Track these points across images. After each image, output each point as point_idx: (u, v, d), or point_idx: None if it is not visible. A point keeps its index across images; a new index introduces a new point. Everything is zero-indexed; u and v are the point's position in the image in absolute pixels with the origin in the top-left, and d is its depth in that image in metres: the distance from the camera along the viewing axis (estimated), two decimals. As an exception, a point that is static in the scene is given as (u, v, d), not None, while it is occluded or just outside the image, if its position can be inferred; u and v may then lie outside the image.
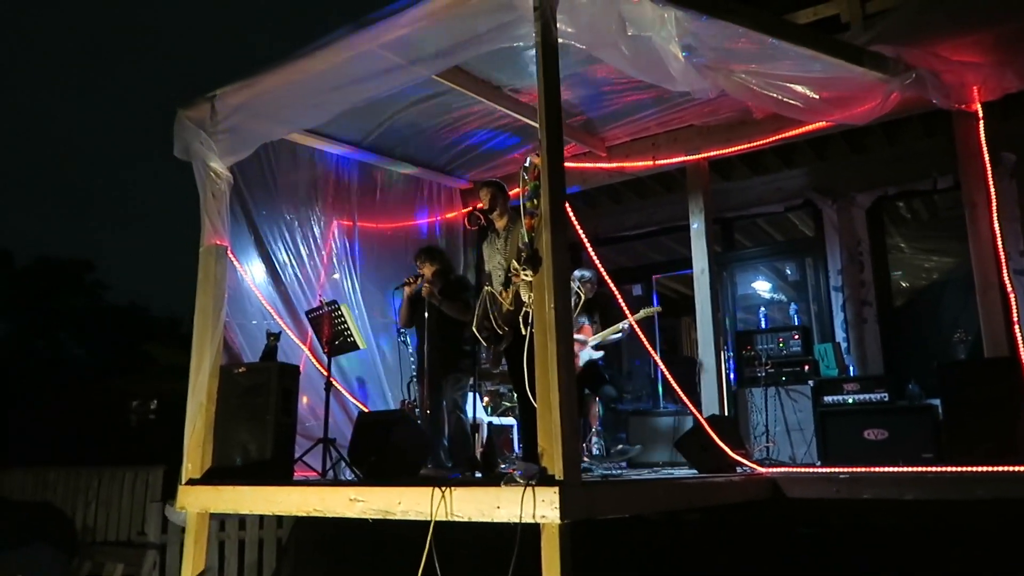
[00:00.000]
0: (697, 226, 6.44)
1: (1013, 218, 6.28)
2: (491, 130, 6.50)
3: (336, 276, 5.89)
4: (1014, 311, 4.87)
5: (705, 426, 4.52)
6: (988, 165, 5.14)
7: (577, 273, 5.94)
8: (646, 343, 5.10)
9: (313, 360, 5.34)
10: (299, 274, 5.68)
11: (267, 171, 5.61)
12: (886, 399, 5.51)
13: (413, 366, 5.89)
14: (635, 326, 5.75)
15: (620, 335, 6.01)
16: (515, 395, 6.67)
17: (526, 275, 3.33)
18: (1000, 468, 4.22)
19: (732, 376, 6.51)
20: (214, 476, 4.28)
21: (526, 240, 3.41)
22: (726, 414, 5.92)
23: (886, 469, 4.65)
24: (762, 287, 8.48)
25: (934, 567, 4.27)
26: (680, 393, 5.00)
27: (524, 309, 3.36)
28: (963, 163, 5.30)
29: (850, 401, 5.61)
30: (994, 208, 5.10)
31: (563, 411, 3.10)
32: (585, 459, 5.74)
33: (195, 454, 4.37)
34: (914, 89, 4.83)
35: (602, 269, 5.35)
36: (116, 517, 7.88)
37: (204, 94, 4.82)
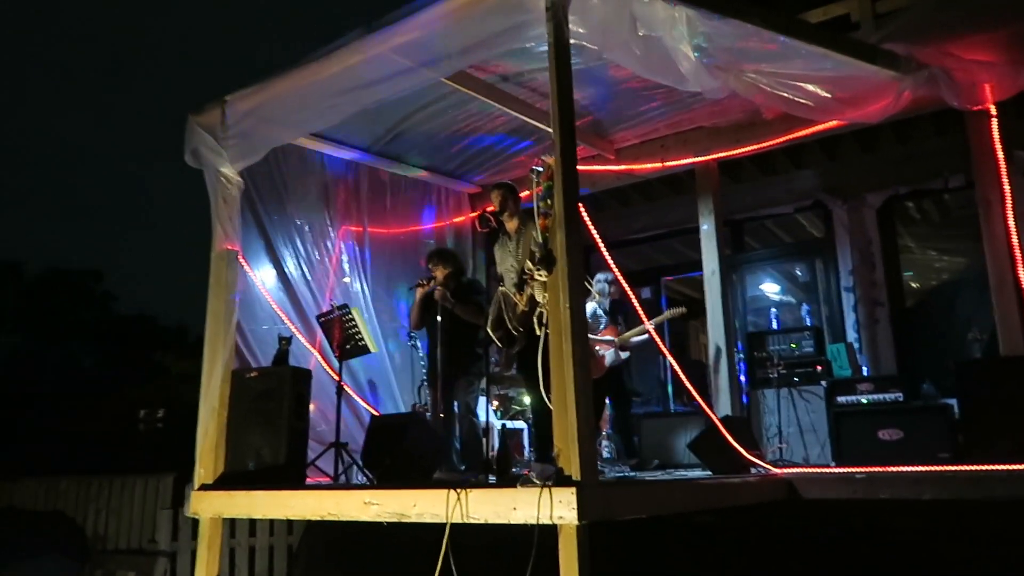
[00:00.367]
0: (707, 227, 6.41)
1: (1028, 217, 6.24)
2: (500, 134, 6.50)
3: (347, 280, 5.88)
4: (1031, 309, 4.83)
5: (720, 427, 4.48)
6: (1002, 163, 5.11)
7: (602, 276, 5.96)
8: (662, 345, 5.05)
9: (324, 365, 5.33)
10: (310, 279, 5.68)
11: (277, 176, 5.62)
12: (901, 399, 5.47)
13: (423, 370, 5.88)
14: (650, 331, 5.73)
15: (645, 336, 6.01)
16: (525, 399, 6.67)
17: (540, 275, 3.31)
18: (1020, 466, 4.17)
19: (743, 378, 6.48)
20: (227, 481, 4.26)
21: (540, 241, 3.40)
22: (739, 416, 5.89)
23: (904, 468, 4.61)
24: (772, 289, 8.45)
25: (952, 568, 4.23)
26: (695, 394, 4.97)
27: (539, 310, 3.33)
28: (977, 162, 5.27)
29: (864, 401, 5.57)
30: (1009, 206, 5.06)
31: (579, 411, 3.08)
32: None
33: (208, 459, 4.36)
34: (926, 88, 4.80)
35: (617, 271, 5.32)
36: (127, 525, 7.89)
37: (215, 99, 4.84)
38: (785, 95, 4.83)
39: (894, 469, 4.61)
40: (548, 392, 3.93)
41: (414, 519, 3.39)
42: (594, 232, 4.53)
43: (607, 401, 6.25)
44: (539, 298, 3.34)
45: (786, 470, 4.90)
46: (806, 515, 4.72)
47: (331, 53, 4.30)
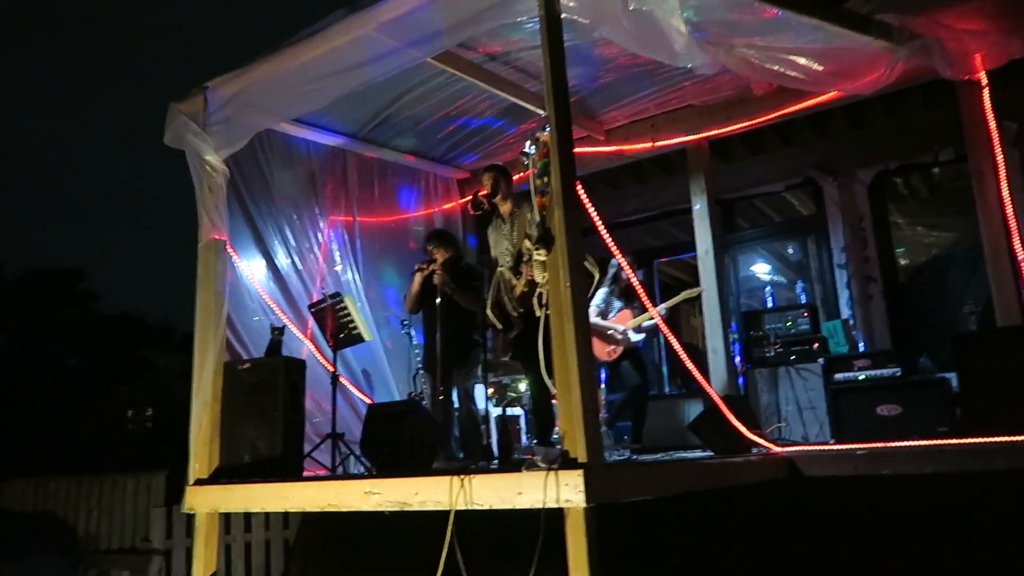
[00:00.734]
0: (700, 207, 6.36)
1: (1017, 188, 6.23)
2: (489, 117, 6.42)
3: (338, 268, 5.78)
4: (1026, 279, 4.82)
5: (722, 406, 4.44)
6: (995, 133, 5.08)
7: (615, 260, 5.93)
8: (665, 328, 4.96)
9: (317, 355, 5.24)
10: (300, 268, 5.57)
11: (264, 165, 5.51)
12: (898, 374, 5.45)
13: (418, 359, 5.80)
14: (656, 314, 5.68)
15: (658, 319, 5.94)
16: (521, 386, 6.61)
17: (539, 255, 3.24)
18: (1020, 438, 4.16)
19: (738, 359, 6.45)
20: (223, 475, 4.18)
21: (538, 219, 3.32)
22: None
23: (904, 443, 4.59)
24: (765, 268, 8.43)
25: (955, 542, 4.22)
26: (697, 375, 4.92)
27: (538, 290, 3.26)
28: (969, 132, 5.24)
29: (861, 378, 5.55)
30: (1002, 176, 5.05)
31: (583, 392, 3.02)
32: None
33: (202, 453, 4.26)
34: (919, 58, 4.76)
35: (617, 252, 5.24)
36: (119, 524, 7.80)
37: (196, 86, 4.73)
38: (777, 69, 4.78)
39: (895, 444, 4.59)
40: (551, 374, 3.89)
41: (416, 507, 3.32)
42: (593, 213, 4.41)
43: (602, 387, 6.23)
44: (538, 278, 3.27)
45: (787, 448, 4.87)
46: (807, 493, 4.70)
47: (314, 35, 4.19)
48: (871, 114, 6.82)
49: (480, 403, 5.01)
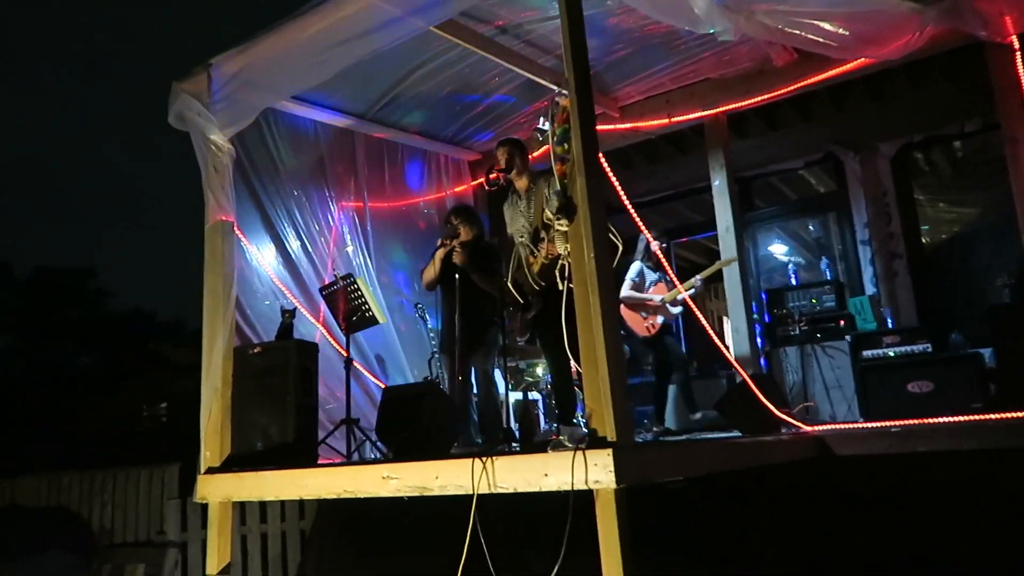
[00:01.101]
0: (719, 183, 6.18)
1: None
2: (500, 94, 6.24)
3: (349, 249, 5.63)
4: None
5: (751, 384, 4.28)
6: (1029, 98, 4.87)
7: (643, 235, 5.81)
8: (693, 305, 4.76)
9: (330, 340, 5.09)
10: (311, 250, 5.41)
11: (271, 147, 5.36)
12: (929, 350, 5.29)
13: (433, 342, 5.66)
14: (685, 294, 5.51)
15: (694, 291, 5.88)
16: (538, 370, 6.46)
17: (561, 225, 3.08)
18: (1062, 412, 3.99)
19: (759, 338, 6.28)
20: (234, 463, 4.05)
21: (558, 188, 3.16)
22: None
23: (941, 420, 4.42)
24: (783, 248, 8.23)
25: (991, 519, 4.06)
26: (726, 352, 4.75)
27: (561, 262, 3.11)
28: (1001, 99, 5.03)
29: (891, 354, 5.38)
30: (1037, 141, 4.84)
31: (611, 368, 2.86)
32: None
33: (213, 441, 4.14)
34: (949, 20, 4.57)
35: (642, 226, 5.05)
36: (134, 518, 7.74)
37: (200, 64, 4.58)
38: (800, 34, 4.58)
39: (931, 421, 4.42)
40: (575, 351, 3.74)
41: (437, 492, 3.18)
42: (618, 187, 4.20)
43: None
44: (560, 250, 3.12)
45: (817, 427, 4.71)
46: (839, 472, 4.55)
47: (318, 6, 4.03)
48: (893, 86, 6.60)
49: (501, 386, 4.85)
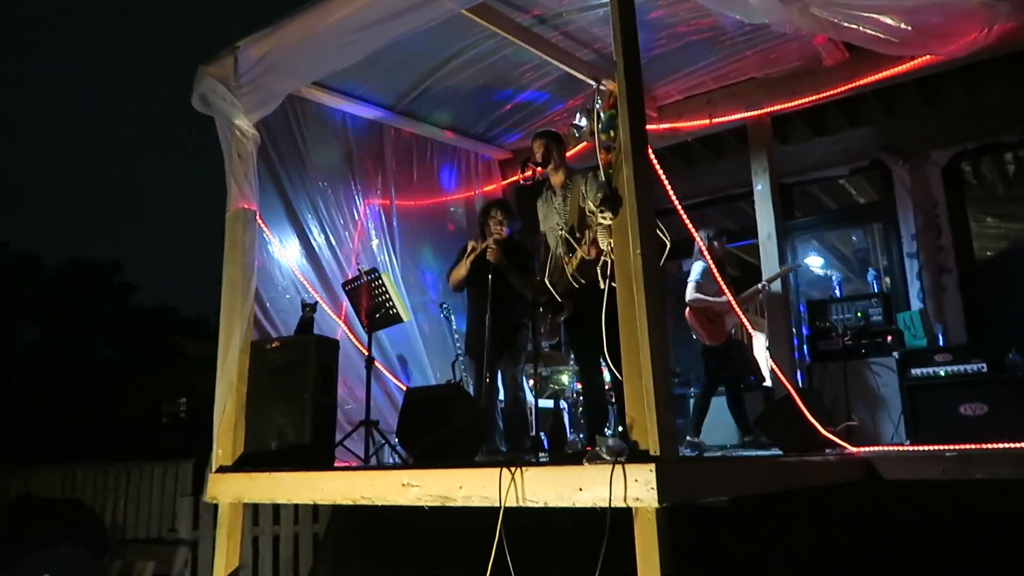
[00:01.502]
0: (762, 187, 5.90)
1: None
2: (533, 90, 6.02)
3: (375, 244, 5.42)
4: None
5: (797, 399, 4.00)
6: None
7: (703, 232, 5.44)
8: (742, 314, 4.45)
9: (351, 337, 4.88)
10: (335, 245, 5.21)
11: (297, 136, 5.18)
12: (984, 370, 4.95)
13: (458, 344, 5.44)
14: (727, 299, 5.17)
15: (760, 297, 5.54)
16: (563, 377, 6.20)
17: (604, 218, 2.84)
18: None
19: (795, 352, 5.98)
20: (247, 463, 3.85)
21: (603, 178, 2.93)
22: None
23: (1002, 446, 4.10)
24: (821, 259, 7.92)
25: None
26: (776, 368, 4.46)
27: (603, 259, 2.87)
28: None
29: (942, 374, 5.05)
30: (1111, 151, 4.52)
31: (656, 373, 2.61)
32: None
33: (226, 439, 3.94)
34: (1021, 16, 4.27)
35: (691, 227, 4.75)
36: (146, 514, 7.61)
37: (226, 47, 4.42)
38: (858, 29, 4.32)
39: (991, 446, 4.10)
40: (614, 356, 3.49)
41: (460, 503, 2.95)
42: (667, 185, 3.90)
43: None
44: (603, 245, 2.89)
45: (864, 448, 4.41)
46: (888, 497, 4.25)
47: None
48: (947, 90, 6.27)
49: (529, 392, 4.61)
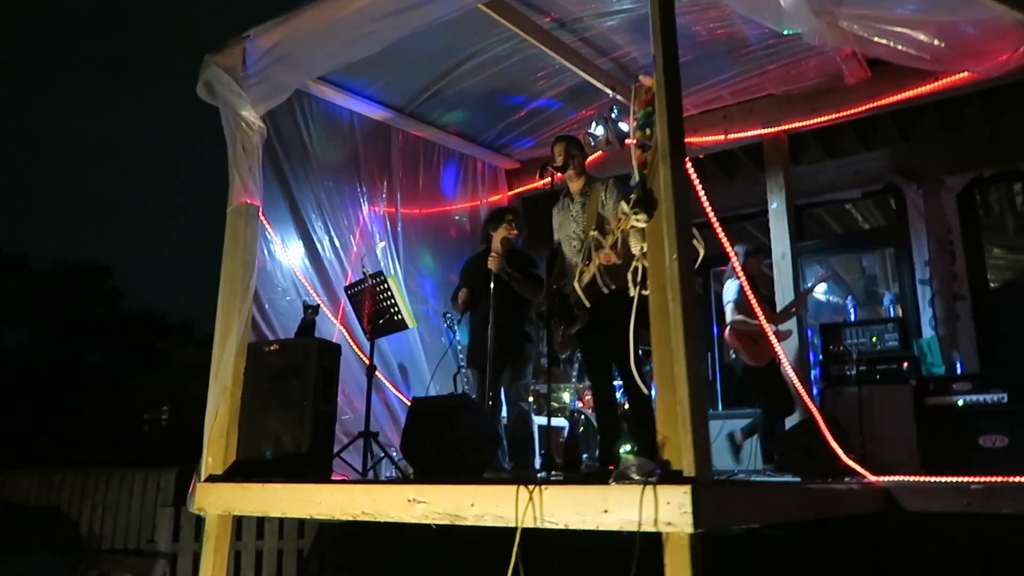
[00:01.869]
0: (777, 206, 5.76)
1: None
2: (547, 98, 5.87)
3: (382, 246, 5.22)
4: None
5: (821, 424, 3.81)
6: None
7: (739, 248, 5.17)
8: (772, 338, 4.19)
9: (352, 344, 4.66)
10: (338, 247, 4.99)
11: (304, 133, 4.99)
12: (1004, 400, 4.79)
13: (461, 356, 5.23)
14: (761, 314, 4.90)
15: (795, 310, 5.30)
16: (565, 395, 6.00)
17: (638, 220, 2.67)
18: None
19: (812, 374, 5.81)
20: (240, 472, 3.61)
21: (637, 179, 2.76)
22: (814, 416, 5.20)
23: (1032, 478, 3.92)
24: (822, 285, 7.76)
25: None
26: (801, 391, 4.26)
27: (634, 264, 2.69)
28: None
29: (960, 403, 4.89)
30: None
31: (691, 389, 2.43)
32: None
33: (217, 446, 3.71)
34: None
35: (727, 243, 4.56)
36: (124, 523, 7.29)
37: (235, 37, 4.25)
38: (889, 44, 4.20)
39: (1019, 479, 3.93)
40: (640, 368, 3.30)
41: (472, 522, 2.74)
42: (700, 191, 3.68)
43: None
44: (635, 249, 2.71)
45: (883, 477, 4.22)
46: (907, 530, 4.07)
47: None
48: (966, 114, 6.18)
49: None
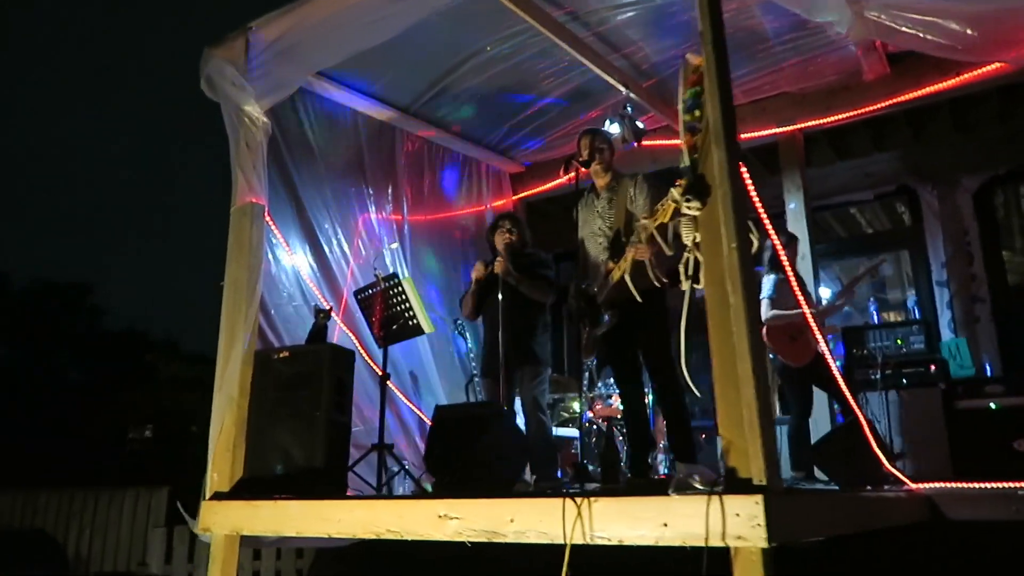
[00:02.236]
0: (795, 206, 5.59)
1: None
2: (556, 97, 5.67)
3: (394, 247, 4.98)
4: None
5: (866, 429, 3.61)
6: None
7: (768, 242, 4.90)
8: (818, 334, 3.92)
9: (361, 352, 4.41)
10: (346, 251, 4.74)
11: (308, 133, 4.75)
12: (1039, 403, 4.63)
13: (474, 364, 5.00)
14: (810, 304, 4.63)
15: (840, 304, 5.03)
16: (575, 404, 5.77)
17: (690, 208, 2.47)
18: None
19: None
20: (248, 488, 3.36)
21: (687, 163, 2.56)
22: (837, 423, 5.01)
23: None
24: (828, 290, 7.61)
25: None
26: (848, 394, 4.04)
27: (686, 255, 2.49)
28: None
29: (993, 406, 4.72)
30: None
31: (758, 388, 2.22)
32: None
33: (223, 461, 3.45)
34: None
35: (775, 238, 4.30)
36: (114, 545, 7.02)
37: (238, 28, 4.03)
38: (917, 35, 4.05)
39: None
40: (669, 369, 3.09)
41: (511, 539, 2.50)
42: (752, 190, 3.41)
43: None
44: (686, 240, 2.50)
45: (924, 484, 4.03)
46: (952, 539, 3.87)
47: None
48: (981, 113, 6.07)
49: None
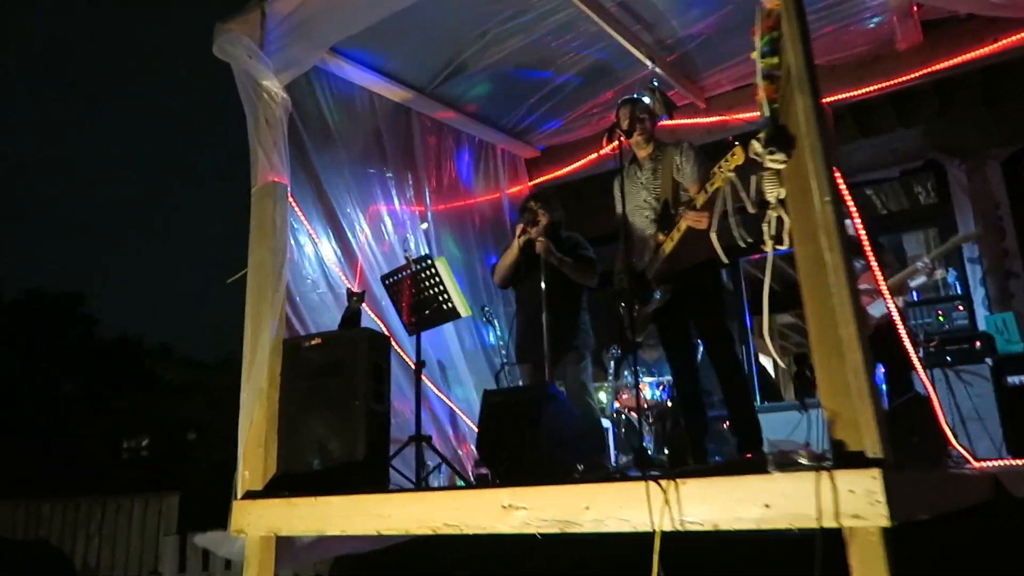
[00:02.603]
0: (826, 183, 5.39)
1: None
2: (571, 74, 5.45)
3: (424, 226, 4.77)
4: None
5: (935, 403, 3.42)
6: None
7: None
8: (893, 308, 3.67)
9: (392, 342, 4.18)
10: (369, 235, 4.51)
11: (326, 114, 4.53)
12: (1094, 377, 4.46)
13: (503, 352, 4.79)
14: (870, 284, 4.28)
15: (924, 279, 4.70)
16: (601, 394, 5.57)
17: (774, 160, 2.27)
18: None
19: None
20: (282, 485, 3.13)
21: (767, 113, 2.36)
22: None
23: None
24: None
25: None
26: (922, 373, 3.82)
27: (769, 212, 2.29)
28: None
29: (1044, 381, 4.55)
30: None
31: (864, 351, 2.02)
32: None
33: (254, 457, 3.22)
34: None
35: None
36: (123, 554, 6.78)
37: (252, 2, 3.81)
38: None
39: None
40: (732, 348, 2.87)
41: (588, 528, 2.29)
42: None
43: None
44: (770, 196, 2.30)
45: (987, 462, 3.85)
46: (1016, 518, 3.69)
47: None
48: (1009, 86, 5.89)
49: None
